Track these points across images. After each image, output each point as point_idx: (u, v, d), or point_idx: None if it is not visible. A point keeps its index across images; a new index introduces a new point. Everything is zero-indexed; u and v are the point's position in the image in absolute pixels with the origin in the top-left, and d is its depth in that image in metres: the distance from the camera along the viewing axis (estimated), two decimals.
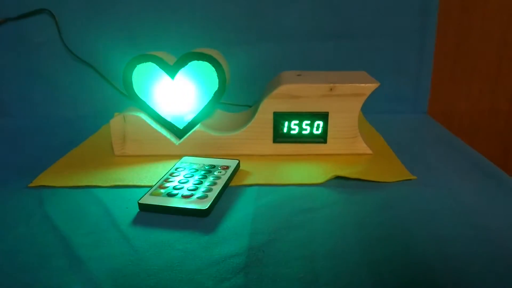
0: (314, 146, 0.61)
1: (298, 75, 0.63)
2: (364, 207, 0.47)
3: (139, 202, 0.47)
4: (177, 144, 0.61)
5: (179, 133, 0.63)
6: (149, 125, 0.61)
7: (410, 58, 0.81)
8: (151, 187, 0.51)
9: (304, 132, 0.60)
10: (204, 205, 0.45)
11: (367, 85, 0.58)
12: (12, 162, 0.63)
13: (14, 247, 0.41)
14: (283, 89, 0.58)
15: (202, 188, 0.49)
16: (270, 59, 0.81)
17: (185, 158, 0.58)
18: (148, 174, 0.56)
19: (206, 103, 0.62)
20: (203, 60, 0.60)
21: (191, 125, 0.62)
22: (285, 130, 0.60)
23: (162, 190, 0.49)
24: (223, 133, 0.61)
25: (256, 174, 0.55)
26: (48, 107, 0.84)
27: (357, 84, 0.58)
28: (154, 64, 0.60)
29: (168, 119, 0.63)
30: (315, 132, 0.60)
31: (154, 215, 0.46)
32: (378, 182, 0.52)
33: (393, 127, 0.73)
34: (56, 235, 0.42)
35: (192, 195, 0.48)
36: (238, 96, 0.79)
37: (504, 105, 0.89)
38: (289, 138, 0.60)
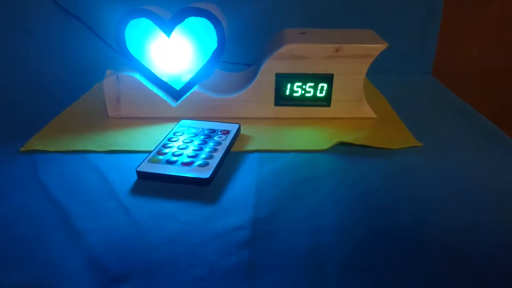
0: (317, 110, 0.58)
1: (302, 33, 0.60)
2: (370, 176, 0.45)
3: (137, 169, 0.45)
4: (174, 106, 0.59)
5: (176, 94, 0.60)
6: (145, 86, 0.58)
7: (416, 16, 0.77)
8: (149, 152, 0.49)
9: (307, 94, 0.58)
10: (206, 174, 0.44)
11: (375, 45, 0.55)
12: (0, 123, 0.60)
13: (10, 219, 0.39)
14: (286, 49, 0.55)
15: (203, 154, 0.48)
16: (272, 15, 0.76)
17: (183, 122, 0.56)
18: (145, 138, 0.54)
19: (204, 62, 0.58)
20: (200, 16, 0.56)
21: (188, 86, 0.60)
22: (287, 92, 0.58)
23: (161, 157, 0.47)
24: (222, 95, 0.59)
25: (258, 139, 0.53)
26: (37, 63, 0.80)
27: (365, 45, 0.55)
28: (148, 20, 0.56)
29: (164, 79, 0.60)
30: (318, 95, 0.58)
31: (154, 183, 0.44)
32: (384, 148, 0.51)
33: (397, 88, 0.71)
34: (53, 205, 0.41)
35: (192, 162, 0.46)
36: (236, 54, 0.75)
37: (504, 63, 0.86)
38: (291, 101, 0.58)
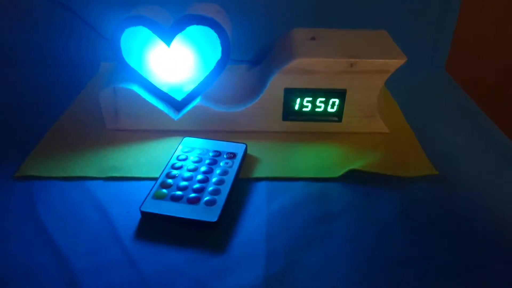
0: (327, 124, 0.55)
1: (312, 38, 0.55)
2: (384, 212, 0.44)
3: (141, 209, 0.43)
4: (175, 119, 0.55)
5: (177, 105, 0.56)
6: (144, 99, 0.54)
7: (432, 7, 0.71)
8: (151, 179, 0.47)
9: (317, 109, 0.54)
10: (213, 216, 0.42)
11: (392, 61, 0.51)
12: None
13: (10, 271, 0.38)
14: (296, 63, 0.51)
15: (209, 187, 0.45)
16: (277, 7, 0.70)
17: (186, 140, 0.53)
18: (146, 159, 0.51)
19: (207, 72, 0.54)
20: (203, 25, 0.51)
21: (190, 97, 0.56)
22: (296, 107, 0.54)
23: (165, 191, 0.45)
24: (227, 109, 0.55)
25: (265, 162, 0.51)
26: (22, 57, 0.75)
27: (382, 60, 0.50)
28: (146, 29, 0.51)
29: (165, 89, 0.56)
30: (329, 110, 0.54)
31: (159, 223, 0.42)
32: (397, 176, 0.48)
33: (410, 88, 0.67)
34: (54, 254, 0.39)
35: (199, 199, 0.44)
36: (238, 48, 0.70)
37: None
38: (300, 116, 0.55)
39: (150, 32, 0.51)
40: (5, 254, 0.39)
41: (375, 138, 0.55)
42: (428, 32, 0.74)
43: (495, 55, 0.83)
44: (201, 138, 0.53)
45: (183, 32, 0.51)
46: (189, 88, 0.56)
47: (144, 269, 0.38)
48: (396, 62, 0.51)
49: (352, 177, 0.48)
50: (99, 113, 0.56)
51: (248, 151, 0.52)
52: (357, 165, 0.49)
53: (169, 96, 0.56)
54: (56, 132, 0.56)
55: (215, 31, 0.51)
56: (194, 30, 0.51)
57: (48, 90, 0.68)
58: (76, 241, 0.41)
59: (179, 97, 0.56)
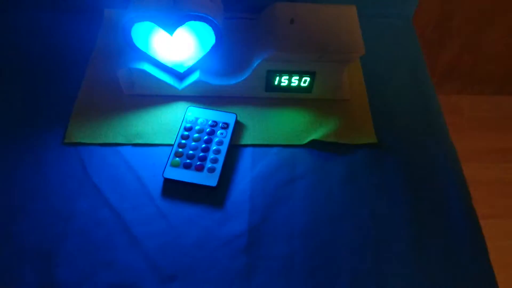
0: (300, 94, 0.70)
1: (291, 21, 0.66)
2: (332, 177, 0.63)
3: (164, 176, 0.61)
4: (179, 89, 0.70)
5: (180, 76, 0.70)
6: (154, 76, 0.67)
7: None
8: (166, 145, 0.65)
9: (292, 84, 0.69)
10: (213, 182, 0.61)
11: (353, 54, 0.63)
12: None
13: (83, 224, 0.58)
14: (276, 54, 0.63)
15: (209, 155, 0.63)
16: None
17: (190, 110, 0.68)
18: (161, 126, 0.67)
19: (204, 53, 0.67)
20: (200, 21, 0.61)
21: (190, 70, 0.69)
22: (276, 83, 0.68)
23: (178, 159, 0.63)
24: (221, 82, 0.69)
25: (250, 128, 0.67)
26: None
27: (345, 54, 0.63)
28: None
29: (169, 65, 0.69)
30: (302, 85, 0.69)
31: (177, 185, 0.62)
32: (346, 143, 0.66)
33: (372, 44, 0.77)
34: (110, 210, 0.59)
35: (203, 166, 0.62)
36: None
37: None
38: (279, 88, 0.69)
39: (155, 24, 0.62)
40: (75, 210, 0.59)
41: (337, 105, 0.71)
42: None
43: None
44: (201, 105, 0.69)
45: (183, 25, 0.62)
46: (188, 64, 0.68)
47: (171, 220, 0.59)
48: (355, 55, 0.63)
49: (313, 144, 0.66)
50: (115, 78, 0.69)
51: (238, 118, 0.68)
52: (317, 135, 0.66)
53: (173, 69, 0.69)
54: (83, 99, 0.70)
55: (210, 25, 0.62)
56: (193, 23, 0.62)
57: (62, 46, 0.78)
58: (122, 199, 0.60)
59: (181, 70, 0.69)
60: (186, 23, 0.62)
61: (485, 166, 1.24)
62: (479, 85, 1.31)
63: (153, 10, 0.61)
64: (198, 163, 0.62)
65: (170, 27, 0.62)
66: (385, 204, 0.61)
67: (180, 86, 0.70)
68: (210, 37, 0.64)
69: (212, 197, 0.61)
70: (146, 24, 0.62)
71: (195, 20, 0.61)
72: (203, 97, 0.70)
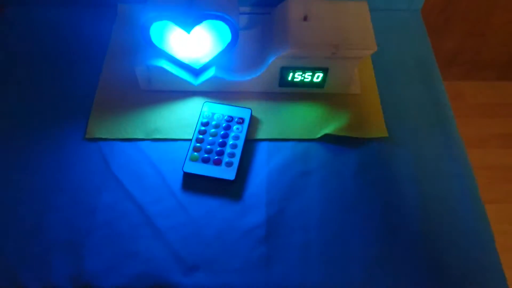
0: (313, 89, 0.72)
1: (305, 18, 0.68)
2: (344, 170, 0.66)
3: (184, 170, 0.64)
4: (195, 85, 0.72)
5: (195, 72, 0.72)
6: (171, 73, 0.69)
7: None
8: (184, 140, 0.67)
9: (305, 80, 0.71)
10: (231, 175, 0.63)
11: (365, 51, 0.65)
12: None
13: (113, 217, 0.61)
14: (290, 52, 0.65)
15: (227, 150, 0.66)
16: None
17: (206, 105, 0.70)
18: (178, 122, 0.70)
19: (219, 50, 0.68)
20: (216, 19, 0.63)
21: (206, 67, 0.71)
22: (289, 78, 0.70)
23: (197, 154, 0.65)
24: (235, 78, 0.71)
25: (265, 123, 0.70)
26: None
27: (357, 50, 0.65)
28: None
29: (185, 61, 0.70)
30: (315, 80, 0.71)
31: (196, 179, 0.64)
32: (357, 137, 0.69)
33: (382, 36, 0.78)
34: (133, 203, 0.62)
35: (220, 161, 0.65)
36: None
37: None
38: (292, 83, 0.71)
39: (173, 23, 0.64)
40: (99, 204, 0.62)
41: (348, 100, 0.73)
42: None
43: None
44: (217, 100, 0.71)
45: (200, 24, 0.64)
46: (204, 60, 0.70)
47: (192, 213, 0.61)
48: (368, 52, 0.65)
49: (326, 137, 0.68)
50: (132, 73, 0.71)
51: (252, 113, 0.70)
52: (330, 129, 0.68)
53: (189, 66, 0.71)
54: (101, 95, 0.72)
55: (226, 24, 0.64)
56: (210, 22, 0.64)
57: (77, 41, 0.79)
58: (144, 192, 0.63)
59: (197, 67, 0.71)
60: (203, 21, 0.63)
61: (489, 152, 1.26)
62: (482, 71, 1.33)
63: (172, 9, 0.63)
64: (216, 157, 0.65)
65: (188, 26, 0.64)
66: (395, 195, 0.64)
67: (196, 82, 0.72)
68: (226, 34, 0.66)
69: (230, 190, 0.63)
70: (164, 23, 0.64)
71: (212, 19, 0.63)
72: (218, 92, 0.72)
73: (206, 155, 0.65)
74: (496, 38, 1.17)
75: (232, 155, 0.65)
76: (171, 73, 0.69)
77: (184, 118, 0.70)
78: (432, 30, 0.85)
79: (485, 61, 1.28)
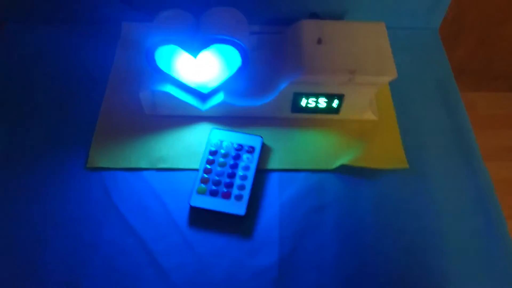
0: (327, 115, 0.68)
1: (319, 41, 0.64)
2: (361, 204, 0.61)
3: (190, 204, 0.60)
4: (203, 110, 0.68)
5: (203, 97, 0.68)
6: (177, 98, 0.65)
7: None
8: (191, 170, 0.63)
9: (319, 106, 0.66)
10: (241, 210, 0.59)
11: (384, 77, 0.61)
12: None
13: (109, 253, 0.57)
14: (304, 78, 0.61)
15: (236, 182, 0.61)
16: None
17: (214, 132, 0.66)
18: (184, 150, 0.66)
19: (228, 75, 0.65)
20: (225, 44, 0.59)
21: (214, 91, 0.67)
22: (303, 104, 0.66)
23: (204, 186, 0.61)
24: (245, 104, 0.67)
25: (276, 151, 0.66)
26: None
27: (375, 77, 0.61)
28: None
29: (192, 86, 0.67)
30: (329, 106, 0.66)
31: (203, 213, 0.60)
32: (376, 168, 0.64)
33: (400, 59, 0.75)
34: (136, 239, 0.58)
35: (229, 194, 0.61)
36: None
37: None
38: (305, 110, 0.67)
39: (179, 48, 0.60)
40: (100, 239, 0.58)
41: (365, 126, 0.68)
42: None
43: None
44: (225, 127, 0.67)
45: (208, 48, 0.60)
46: (212, 85, 0.67)
47: (198, 251, 0.57)
48: (387, 79, 0.61)
49: (342, 168, 0.64)
50: (136, 97, 0.67)
51: (263, 140, 0.66)
52: (346, 159, 0.64)
53: (197, 90, 0.67)
54: (104, 121, 0.68)
55: (236, 48, 0.60)
56: (218, 46, 0.60)
57: (80, 62, 0.76)
58: (148, 227, 0.59)
59: (205, 91, 0.67)
60: (211, 46, 0.60)
61: (501, 165, 1.21)
62: (494, 82, 1.29)
63: (178, 33, 0.59)
64: (225, 190, 0.61)
65: (195, 50, 0.60)
66: (417, 231, 0.60)
67: (204, 107, 0.68)
68: (235, 59, 0.62)
69: (240, 225, 0.59)
70: (170, 47, 0.60)
71: (221, 43, 0.59)
72: (226, 117, 0.69)
73: (214, 188, 0.61)
74: (507, 48, 1.13)
75: (242, 187, 0.61)
76: (177, 98, 0.66)
77: (190, 145, 0.66)
78: (443, 40, 0.81)
79: (496, 72, 1.25)
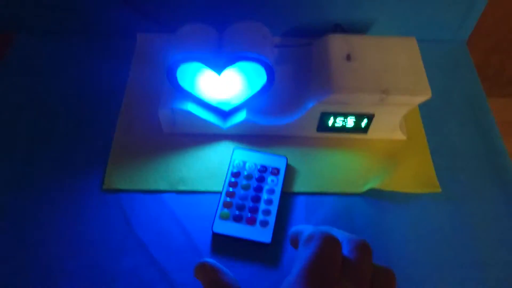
0: (355, 134, 0.65)
1: (348, 57, 0.60)
2: (393, 230, 0.58)
3: (213, 231, 0.57)
4: (224, 129, 0.65)
5: (224, 114, 0.65)
6: (198, 116, 0.62)
7: None
8: (213, 193, 0.60)
9: (347, 125, 0.63)
10: (267, 237, 0.56)
11: (418, 97, 0.58)
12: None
13: (127, 283, 0.54)
14: (333, 97, 0.58)
15: (261, 207, 0.58)
16: None
17: (236, 153, 0.63)
18: (206, 171, 0.63)
19: (252, 92, 0.61)
20: (251, 61, 0.56)
21: (236, 109, 0.64)
22: (330, 124, 0.63)
23: (227, 211, 0.58)
24: (269, 123, 0.64)
25: (302, 173, 0.63)
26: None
27: (409, 97, 0.58)
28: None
29: (214, 103, 0.63)
30: (357, 126, 0.63)
31: (227, 240, 0.57)
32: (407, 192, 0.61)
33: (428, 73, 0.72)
34: (157, 269, 0.55)
35: (254, 220, 0.57)
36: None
37: None
38: (332, 129, 0.64)
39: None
40: (119, 269, 0.55)
41: (393, 147, 0.65)
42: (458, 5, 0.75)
43: None
44: (247, 146, 0.64)
45: (233, 65, 0.57)
46: (235, 102, 0.63)
47: None
48: (421, 98, 0.58)
49: (371, 192, 0.61)
50: (153, 115, 0.64)
51: (288, 161, 0.63)
52: (375, 182, 0.61)
53: (218, 108, 0.64)
54: (120, 139, 0.65)
55: (261, 65, 0.57)
56: (243, 63, 0.57)
57: (94, 77, 0.72)
58: (169, 256, 0.56)
59: (226, 108, 0.64)
60: (236, 63, 0.56)
61: None
62: (506, 88, 1.26)
63: (202, 50, 0.56)
64: (249, 215, 0.58)
65: (219, 67, 0.57)
66: (451, 260, 0.56)
67: (225, 125, 0.64)
68: (260, 75, 0.59)
69: (266, 254, 0.56)
70: (193, 64, 0.57)
71: (247, 60, 0.56)
72: (248, 136, 0.65)
73: (237, 212, 0.58)
74: None
75: (267, 212, 0.58)
76: (198, 116, 0.62)
77: (211, 166, 0.63)
78: None
79: (509, 78, 1.21)
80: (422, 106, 0.69)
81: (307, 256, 0.33)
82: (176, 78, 0.58)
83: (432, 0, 0.73)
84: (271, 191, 0.60)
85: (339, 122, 0.63)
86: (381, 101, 0.58)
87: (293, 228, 0.39)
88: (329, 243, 0.33)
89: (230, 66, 0.57)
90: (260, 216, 0.58)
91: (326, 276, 0.32)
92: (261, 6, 0.73)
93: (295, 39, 0.75)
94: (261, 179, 0.61)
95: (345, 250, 0.34)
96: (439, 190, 0.61)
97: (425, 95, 0.57)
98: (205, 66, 0.57)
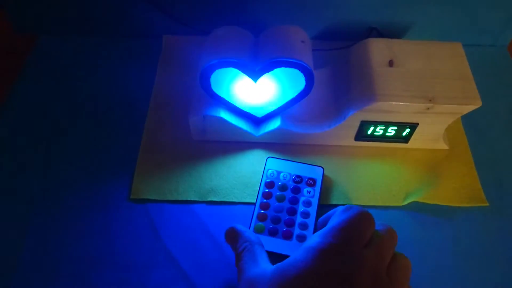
0: (394, 143, 0.62)
1: (390, 63, 0.57)
2: (437, 246, 0.55)
3: None
4: (257, 136, 0.62)
5: (257, 121, 0.62)
6: (229, 123, 0.59)
7: None
8: (245, 204, 0.57)
9: (388, 134, 0.60)
10: None
11: (467, 106, 0.54)
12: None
13: None
14: (375, 105, 0.55)
15: (297, 220, 0.55)
16: None
17: (269, 162, 0.60)
18: (239, 182, 0.59)
19: (289, 98, 0.58)
20: (290, 67, 0.53)
21: (270, 115, 0.61)
22: (369, 132, 0.60)
23: (262, 224, 0.55)
24: (304, 131, 0.61)
25: (339, 184, 0.59)
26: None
27: (457, 106, 0.54)
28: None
29: (247, 109, 0.60)
30: (398, 135, 0.60)
31: None
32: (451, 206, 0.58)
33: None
34: (188, 285, 0.52)
35: (291, 234, 0.54)
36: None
37: None
38: (371, 138, 0.61)
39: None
40: (148, 284, 0.52)
41: (435, 156, 0.62)
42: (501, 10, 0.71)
43: None
44: (281, 156, 0.61)
45: (271, 71, 0.54)
46: (269, 109, 0.60)
47: None
48: (470, 107, 0.54)
49: (413, 205, 0.58)
50: (182, 120, 0.62)
51: (324, 172, 0.60)
52: (417, 195, 0.58)
53: (251, 115, 0.61)
54: (148, 146, 0.62)
55: (301, 71, 0.54)
56: (282, 69, 0.54)
57: (119, 81, 0.70)
58: (201, 271, 0.53)
59: (259, 115, 0.61)
60: (274, 69, 0.53)
61: None
62: None
63: (238, 54, 0.53)
64: (285, 229, 0.55)
65: (255, 74, 0.54)
66: (500, 277, 0.53)
67: (258, 133, 0.61)
68: (297, 81, 0.56)
69: None
70: (228, 70, 0.54)
71: (287, 66, 0.53)
72: (281, 144, 0.62)
73: (273, 226, 0.55)
74: None
75: (304, 226, 0.55)
76: (230, 123, 0.59)
77: (244, 176, 0.60)
78: None
79: None
80: (464, 114, 0.65)
81: (343, 218, 0.40)
82: (209, 83, 0.55)
83: (473, 5, 0.69)
84: (308, 203, 0.57)
85: (380, 131, 0.59)
86: (427, 110, 0.55)
87: (321, 218, 0.46)
88: (364, 215, 0.40)
89: (268, 72, 0.54)
90: (296, 230, 0.54)
91: (355, 238, 0.38)
92: (293, 8, 0.70)
93: (328, 43, 0.71)
94: (297, 190, 0.58)
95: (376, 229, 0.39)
96: (486, 204, 0.57)
97: (474, 104, 0.54)
98: (241, 72, 0.54)
